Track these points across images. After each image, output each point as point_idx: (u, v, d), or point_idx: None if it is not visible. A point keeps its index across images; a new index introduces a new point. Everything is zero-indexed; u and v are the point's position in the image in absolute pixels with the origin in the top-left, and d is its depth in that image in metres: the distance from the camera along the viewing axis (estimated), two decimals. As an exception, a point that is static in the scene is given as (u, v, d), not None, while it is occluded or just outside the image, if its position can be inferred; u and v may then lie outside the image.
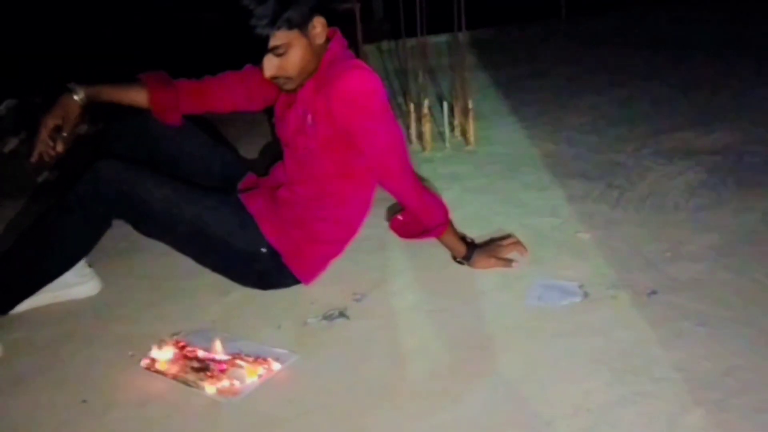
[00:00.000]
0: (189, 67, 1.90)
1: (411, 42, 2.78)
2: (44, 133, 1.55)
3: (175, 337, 1.55)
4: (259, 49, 1.51)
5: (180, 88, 1.71)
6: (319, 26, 1.54)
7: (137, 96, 1.67)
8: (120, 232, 1.67)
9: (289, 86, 1.58)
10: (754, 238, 1.81)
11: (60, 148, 1.56)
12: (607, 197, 2.10)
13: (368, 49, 3.66)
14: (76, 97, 1.60)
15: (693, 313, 1.52)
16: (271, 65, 1.52)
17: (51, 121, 1.56)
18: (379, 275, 1.79)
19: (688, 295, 1.58)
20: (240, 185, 1.82)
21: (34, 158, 1.56)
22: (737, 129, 2.51)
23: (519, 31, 4.35)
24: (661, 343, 1.43)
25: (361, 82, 1.54)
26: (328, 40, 1.59)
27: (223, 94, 1.74)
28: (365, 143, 1.59)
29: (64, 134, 1.56)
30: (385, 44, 4.00)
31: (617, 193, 2.12)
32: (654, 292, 1.61)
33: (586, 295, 1.62)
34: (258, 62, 1.74)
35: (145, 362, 1.48)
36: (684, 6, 4.53)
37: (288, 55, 1.51)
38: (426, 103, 2.52)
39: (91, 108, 1.63)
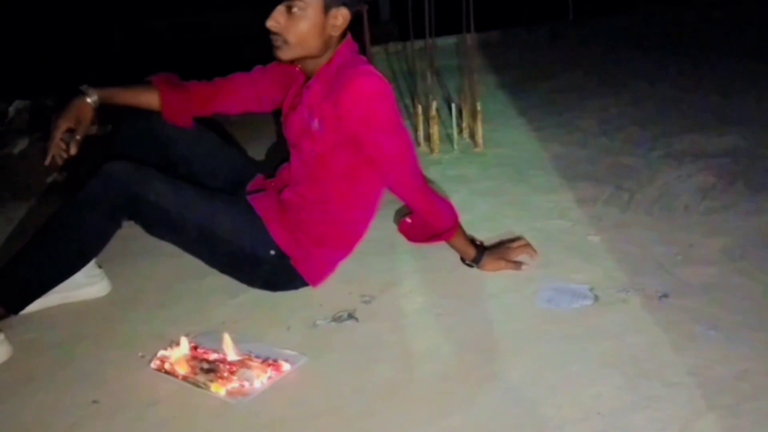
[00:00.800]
0: (194, 68, 1.90)
1: (419, 44, 2.78)
2: (57, 136, 1.56)
3: (184, 339, 1.55)
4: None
5: (190, 90, 1.71)
6: (341, 18, 1.54)
7: (148, 98, 1.68)
8: (130, 233, 1.68)
9: (282, 54, 1.55)
10: (765, 242, 1.80)
11: (73, 150, 1.57)
12: (617, 200, 2.09)
13: (375, 50, 3.66)
14: (88, 100, 1.60)
15: (705, 316, 1.51)
16: (277, 18, 1.51)
17: (64, 124, 1.57)
18: (387, 277, 1.79)
19: (699, 298, 1.58)
20: (249, 187, 1.82)
21: (47, 161, 1.57)
22: (748, 131, 2.49)
23: (527, 33, 4.34)
24: (672, 347, 1.42)
25: (370, 88, 1.54)
26: (340, 41, 1.59)
27: (232, 95, 1.74)
28: (374, 150, 1.59)
29: (77, 137, 1.57)
30: (392, 46, 4.00)
31: (627, 195, 2.11)
32: (665, 296, 1.60)
33: (596, 298, 1.62)
34: (265, 63, 1.75)
35: (155, 363, 1.48)
36: (692, 7, 4.51)
37: (298, 18, 1.50)
38: (434, 105, 2.52)
39: (101, 110, 1.64)
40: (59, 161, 1.57)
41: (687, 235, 1.86)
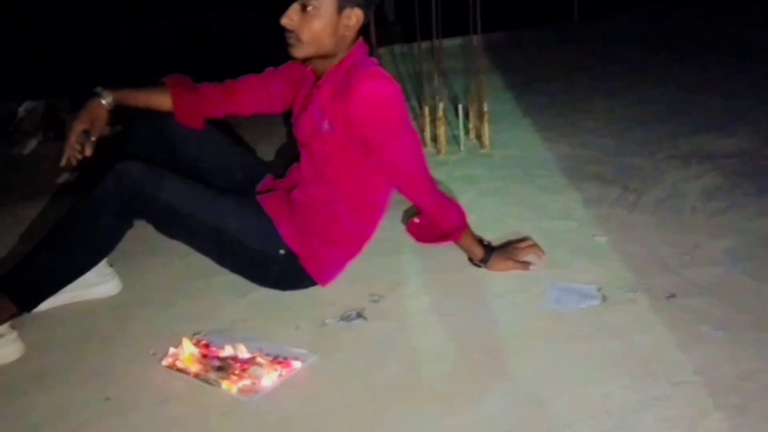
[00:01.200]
0: (199, 69, 1.92)
1: (425, 45, 2.79)
2: (73, 138, 1.58)
3: (196, 337, 1.57)
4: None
5: (202, 92, 1.73)
6: (354, 19, 1.56)
7: (161, 100, 1.69)
8: (140, 232, 1.69)
9: (296, 51, 1.58)
10: (771, 243, 1.81)
11: (88, 152, 1.59)
12: (623, 200, 2.10)
13: (382, 52, 3.68)
14: (103, 102, 1.62)
15: (712, 316, 1.52)
16: (291, 16, 1.54)
17: (79, 126, 1.59)
18: (395, 277, 1.80)
19: (706, 298, 1.58)
20: (258, 187, 1.84)
21: (63, 163, 1.58)
22: (754, 133, 2.50)
23: (532, 34, 4.35)
24: (680, 347, 1.43)
25: (380, 90, 1.55)
26: (353, 42, 1.60)
27: (244, 97, 1.76)
28: (383, 151, 1.60)
29: (92, 138, 1.59)
30: (398, 47, 4.01)
31: (634, 196, 2.12)
32: (672, 296, 1.61)
33: (604, 298, 1.63)
34: (268, 63, 1.76)
35: (166, 361, 1.50)
36: (698, 9, 4.51)
37: (312, 16, 1.53)
38: (440, 106, 2.53)
39: (114, 111, 1.65)
40: (74, 162, 1.59)
41: (694, 235, 1.87)
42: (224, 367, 1.45)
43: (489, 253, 1.75)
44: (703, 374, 1.35)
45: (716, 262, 1.73)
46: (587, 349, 1.46)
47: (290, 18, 1.54)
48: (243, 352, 1.48)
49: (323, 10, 1.53)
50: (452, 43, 3.49)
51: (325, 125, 1.61)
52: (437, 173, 2.32)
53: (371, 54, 1.66)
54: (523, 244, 1.81)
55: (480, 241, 1.77)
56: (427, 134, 2.61)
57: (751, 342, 1.43)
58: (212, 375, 1.43)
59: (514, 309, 1.63)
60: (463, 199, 2.08)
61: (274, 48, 1.64)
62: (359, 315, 1.64)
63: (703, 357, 1.40)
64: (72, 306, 1.74)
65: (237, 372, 1.43)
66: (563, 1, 4.63)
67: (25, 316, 1.63)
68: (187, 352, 1.49)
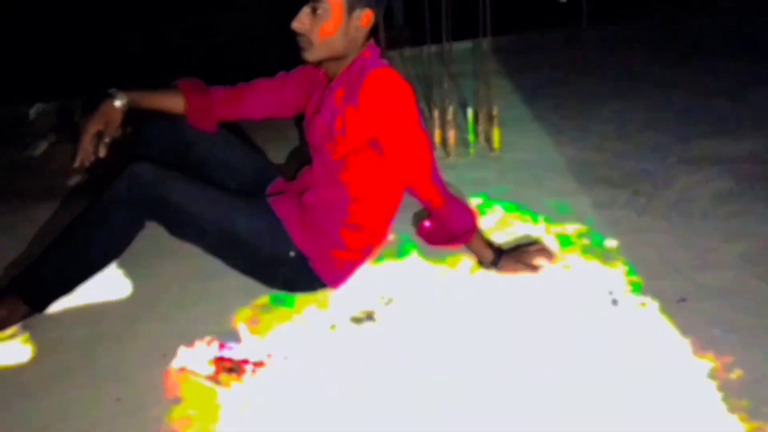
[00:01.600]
0: (211, 72, 1.93)
1: (434, 48, 2.80)
2: (86, 139, 1.59)
3: (206, 338, 1.57)
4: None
5: (215, 95, 1.74)
6: (365, 18, 1.57)
7: (174, 102, 1.71)
8: (150, 234, 1.70)
9: (308, 55, 1.58)
10: (783, 247, 1.80)
11: (102, 153, 1.60)
12: (633, 204, 2.10)
13: (391, 55, 3.68)
14: (117, 103, 1.63)
15: (723, 320, 1.51)
16: (302, 18, 1.55)
17: (93, 127, 1.60)
18: (405, 279, 1.80)
19: (717, 302, 1.58)
20: (269, 189, 1.84)
21: (76, 164, 1.60)
22: (765, 137, 2.48)
23: (541, 38, 4.35)
24: (691, 351, 1.43)
25: (391, 89, 1.56)
26: (364, 44, 1.61)
27: (256, 101, 1.77)
28: (394, 151, 1.61)
29: (106, 140, 1.60)
30: (407, 51, 4.02)
31: (644, 200, 2.12)
32: (683, 300, 1.60)
33: (614, 302, 1.62)
34: (273, 65, 1.77)
35: (177, 362, 1.50)
36: (708, 13, 4.50)
37: (322, 19, 1.54)
38: (450, 109, 2.53)
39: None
40: (87, 164, 1.60)
41: (704, 239, 1.86)
42: (234, 368, 1.45)
43: (499, 256, 1.75)
44: (714, 378, 1.35)
45: (727, 266, 1.73)
46: (597, 353, 1.45)
47: (301, 22, 1.55)
48: (253, 354, 1.49)
49: (333, 12, 1.54)
50: (462, 46, 3.49)
51: (337, 127, 1.61)
52: (447, 176, 2.30)
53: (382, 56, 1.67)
54: (533, 248, 1.80)
55: (490, 244, 1.77)
56: (437, 137, 2.61)
57: (762, 345, 1.43)
58: (223, 376, 1.44)
59: (524, 312, 1.62)
60: (473, 202, 2.08)
61: (285, 52, 1.64)
62: (369, 318, 1.64)
63: (715, 361, 1.39)
64: (83, 307, 1.75)
65: (248, 374, 1.43)
66: (572, 4, 4.62)
67: (37, 317, 1.64)
68: (197, 354, 1.49)
